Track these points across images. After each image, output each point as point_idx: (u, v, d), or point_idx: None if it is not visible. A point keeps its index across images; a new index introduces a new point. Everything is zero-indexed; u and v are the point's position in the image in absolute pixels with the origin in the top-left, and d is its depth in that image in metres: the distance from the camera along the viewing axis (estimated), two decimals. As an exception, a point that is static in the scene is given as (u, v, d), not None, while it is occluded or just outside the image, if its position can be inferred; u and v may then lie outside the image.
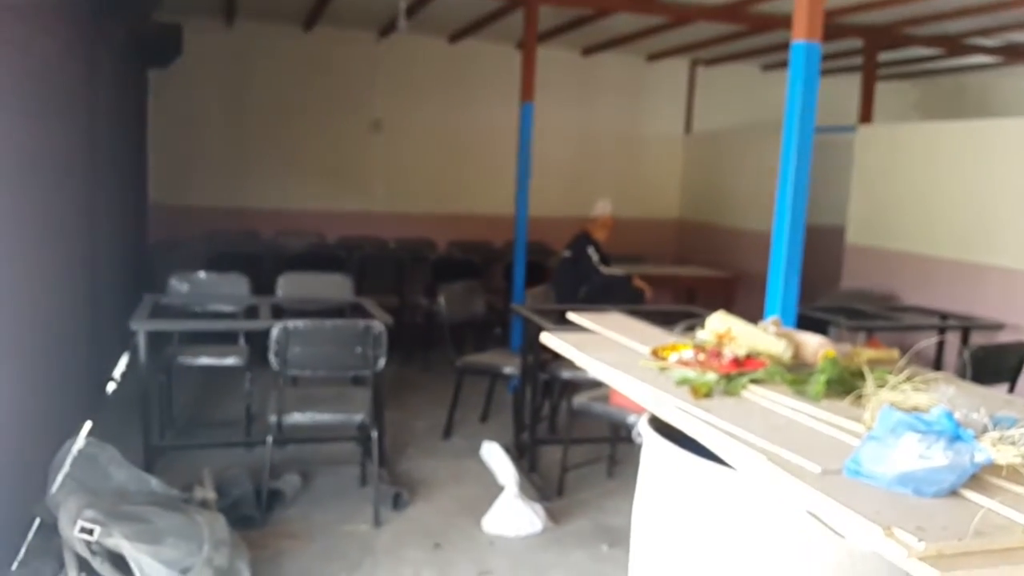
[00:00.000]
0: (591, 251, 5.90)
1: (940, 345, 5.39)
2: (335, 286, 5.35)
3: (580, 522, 3.92)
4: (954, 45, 6.97)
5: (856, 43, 6.98)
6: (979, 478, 1.52)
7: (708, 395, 2.01)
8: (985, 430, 1.67)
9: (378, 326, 3.69)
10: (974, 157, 5.64)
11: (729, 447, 1.69)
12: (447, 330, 5.04)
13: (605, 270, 5.90)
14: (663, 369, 2.20)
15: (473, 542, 3.62)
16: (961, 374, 4.00)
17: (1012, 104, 8.31)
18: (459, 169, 8.48)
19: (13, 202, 3.03)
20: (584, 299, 5.71)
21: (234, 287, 4.99)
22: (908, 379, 1.90)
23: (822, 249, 6.86)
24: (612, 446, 4.53)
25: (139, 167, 7.13)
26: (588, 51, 8.49)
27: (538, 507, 3.81)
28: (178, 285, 4.84)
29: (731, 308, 7.01)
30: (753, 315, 3.75)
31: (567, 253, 6.05)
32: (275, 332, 3.57)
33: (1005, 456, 1.48)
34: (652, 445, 2.04)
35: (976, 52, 7.21)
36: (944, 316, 5.44)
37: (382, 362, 3.72)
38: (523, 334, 5.00)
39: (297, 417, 3.68)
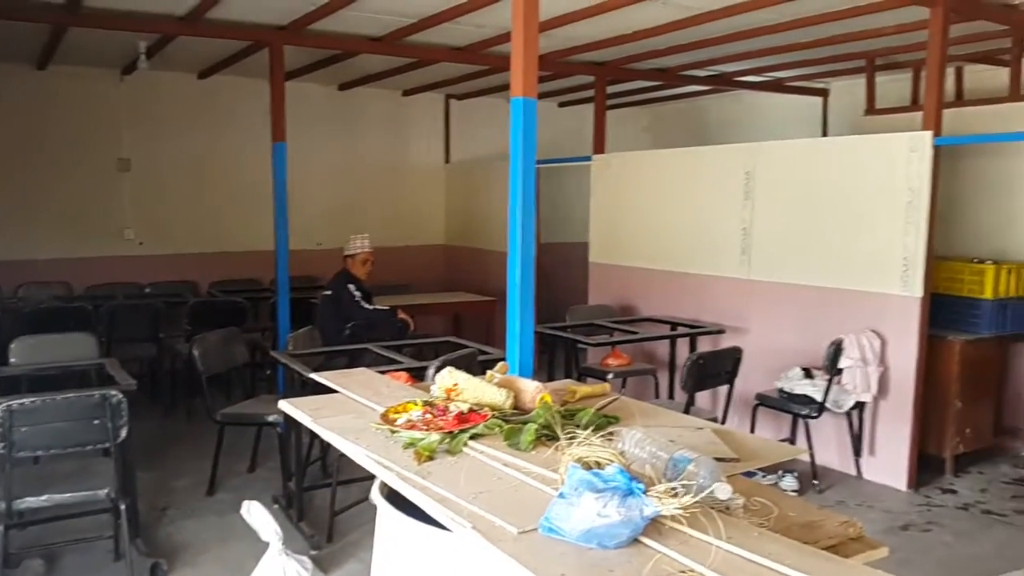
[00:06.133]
0: (352, 288, 5.95)
1: (672, 349, 6.04)
2: (78, 346, 4.99)
3: (350, 566, 3.98)
4: (671, 77, 7.77)
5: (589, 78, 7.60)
6: (659, 523, 1.71)
7: (431, 457, 2.16)
8: (666, 470, 1.93)
9: (116, 395, 3.52)
10: (690, 179, 6.35)
11: (442, 513, 1.85)
12: (204, 383, 4.88)
13: (368, 306, 5.97)
14: (393, 432, 2.33)
15: (238, 606, 3.57)
16: (684, 380, 4.57)
17: (724, 122, 9.41)
18: (219, 206, 8.22)
19: None
20: (349, 337, 5.76)
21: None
22: (598, 429, 2.18)
23: (578, 264, 7.42)
24: (382, 482, 4.62)
25: None
26: (344, 86, 8.56)
27: (305, 559, 3.81)
28: None
29: (492, 329, 7.36)
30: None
31: (328, 292, 6.07)
32: (-2, 414, 3.31)
33: (669, 508, 1.67)
34: (382, 511, 2.16)
35: (690, 83, 8.08)
36: (674, 325, 6.07)
37: (124, 432, 3.56)
38: (286, 379, 4.97)
39: (31, 502, 3.43)
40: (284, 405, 2.71)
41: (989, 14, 5.12)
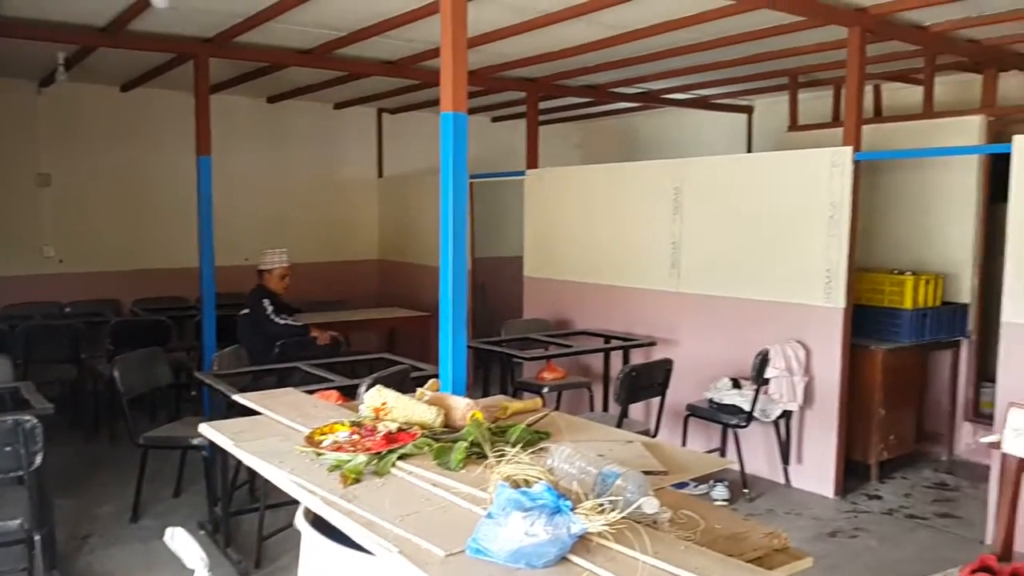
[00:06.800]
0: (266, 303, 5.83)
1: (606, 362, 6.08)
2: (-11, 369, 4.79)
3: (279, 592, 3.88)
4: (601, 94, 7.87)
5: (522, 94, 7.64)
6: (587, 540, 1.70)
7: (357, 480, 2.11)
8: (595, 485, 1.92)
9: (30, 420, 3.37)
10: (621, 194, 6.43)
11: (368, 538, 1.80)
12: (125, 405, 4.71)
13: (278, 320, 5.85)
14: (319, 455, 2.27)
15: (161, 638, 3.44)
16: (618, 393, 4.60)
17: (653, 139, 9.56)
18: (143, 221, 7.98)
19: None
20: (279, 355, 5.63)
21: None
22: (528, 445, 2.16)
23: (514, 278, 7.42)
24: (313, 504, 4.51)
25: None
26: (273, 99, 8.42)
27: (232, 586, 3.72)
28: None
29: (427, 345, 7.28)
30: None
31: (245, 310, 5.92)
32: (-102, 444, 3.13)
33: (596, 525, 1.66)
34: (306, 537, 2.10)
35: (620, 99, 8.19)
36: (607, 339, 6.12)
37: (38, 459, 3.40)
38: (211, 401, 4.83)
39: (-65, 535, 3.25)
40: (205, 429, 2.62)
41: (903, 34, 5.32)
